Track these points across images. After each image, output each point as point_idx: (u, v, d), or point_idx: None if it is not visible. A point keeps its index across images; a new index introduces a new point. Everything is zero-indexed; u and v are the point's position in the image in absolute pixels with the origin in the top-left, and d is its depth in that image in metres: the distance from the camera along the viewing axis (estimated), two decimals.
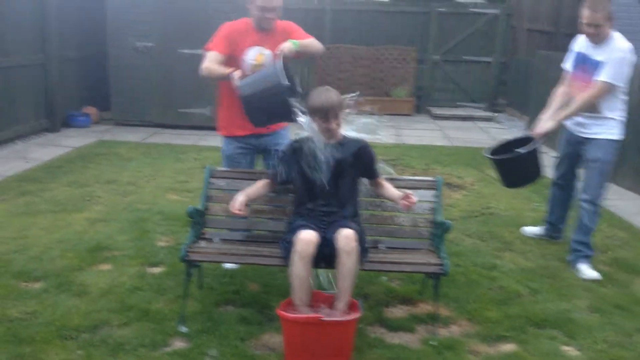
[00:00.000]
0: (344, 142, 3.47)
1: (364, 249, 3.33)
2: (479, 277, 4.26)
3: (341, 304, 3.18)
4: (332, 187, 3.42)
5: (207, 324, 3.44)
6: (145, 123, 9.54)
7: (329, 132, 3.38)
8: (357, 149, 3.48)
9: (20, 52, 8.17)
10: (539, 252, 4.83)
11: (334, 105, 3.31)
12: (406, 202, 3.41)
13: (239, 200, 3.43)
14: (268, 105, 3.56)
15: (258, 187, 3.61)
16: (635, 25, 11.17)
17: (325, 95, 3.35)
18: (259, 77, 3.66)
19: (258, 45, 3.98)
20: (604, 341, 3.45)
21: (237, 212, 3.39)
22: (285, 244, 3.29)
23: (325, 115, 3.31)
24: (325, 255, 3.21)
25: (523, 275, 4.34)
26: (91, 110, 9.79)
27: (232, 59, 3.93)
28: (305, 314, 3.10)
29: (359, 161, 3.50)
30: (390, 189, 3.62)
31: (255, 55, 3.97)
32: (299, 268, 3.13)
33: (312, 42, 4.01)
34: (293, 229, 3.29)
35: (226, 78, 3.78)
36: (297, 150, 3.47)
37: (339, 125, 3.40)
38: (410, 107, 12.19)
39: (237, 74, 3.73)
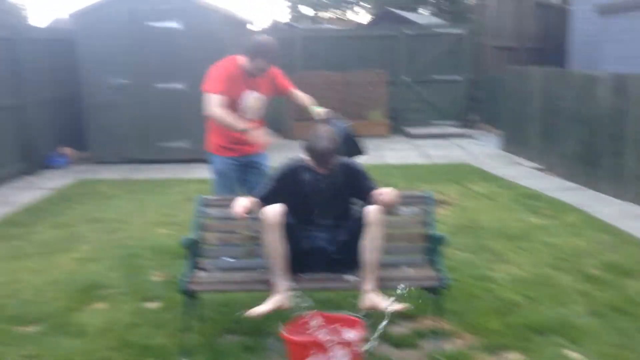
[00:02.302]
0: (335, 168, 3.51)
1: None
2: (476, 289, 4.30)
3: (369, 283, 3.36)
4: (327, 212, 3.54)
5: (211, 355, 3.41)
6: (124, 160, 9.48)
7: (322, 170, 3.45)
8: (348, 170, 3.55)
9: None
10: (531, 262, 4.89)
11: (330, 152, 3.36)
12: (380, 197, 3.37)
13: (243, 204, 3.43)
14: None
15: (252, 201, 3.55)
16: (595, 36, 11.53)
17: (323, 143, 3.36)
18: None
19: (252, 89, 4.32)
20: (609, 344, 3.49)
21: (241, 214, 3.39)
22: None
23: (321, 161, 3.37)
24: (320, 261, 3.45)
25: (519, 284, 4.39)
26: (68, 150, 9.70)
27: (229, 101, 4.23)
28: (285, 286, 3.29)
29: (352, 181, 3.55)
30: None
31: (251, 99, 4.33)
32: (270, 237, 3.30)
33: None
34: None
35: (243, 132, 4.13)
36: (293, 176, 3.52)
37: (333, 165, 3.44)
38: (386, 129, 12.33)
39: (253, 129, 4.16)
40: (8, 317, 3.91)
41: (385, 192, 3.37)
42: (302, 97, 4.56)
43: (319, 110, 4.36)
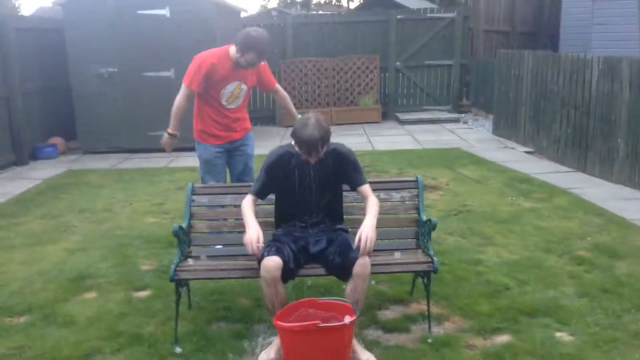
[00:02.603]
0: (325, 155, 3.38)
1: None
2: (466, 273, 4.30)
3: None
4: (317, 200, 3.46)
5: (202, 342, 3.40)
6: (114, 149, 9.42)
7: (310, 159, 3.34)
8: (339, 158, 3.44)
9: None
10: (521, 245, 4.90)
11: (317, 142, 3.20)
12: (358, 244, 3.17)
13: (254, 238, 3.22)
14: None
15: (253, 209, 3.43)
16: (587, 20, 11.53)
17: (310, 132, 3.19)
18: None
19: (238, 80, 4.35)
20: (596, 324, 3.51)
21: (257, 249, 3.20)
22: (258, 262, 3.22)
23: (308, 151, 3.24)
24: (306, 262, 3.36)
25: (508, 267, 4.40)
26: (58, 140, 9.63)
27: (207, 91, 4.33)
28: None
29: (341, 170, 3.46)
30: (369, 206, 3.38)
31: (233, 89, 4.35)
32: (266, 290, 3.16)
33: None
34: (266, 248, 3.24)
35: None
36: (282, 164, 3.44)
37: (321, 154, 3.31)
38: (377, 114, 12.29)
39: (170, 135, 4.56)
40: None
41: (363, 241, 3.14)
42: (285, 97, 4.67)
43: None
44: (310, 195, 3.46)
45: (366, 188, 3.47)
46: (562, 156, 8.01)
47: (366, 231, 3.17)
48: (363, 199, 3.48)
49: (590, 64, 7.29)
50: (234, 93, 4.37)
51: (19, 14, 27.08)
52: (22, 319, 3.75)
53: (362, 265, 3.13)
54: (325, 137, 3.24)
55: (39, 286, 4.23)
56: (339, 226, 3.56)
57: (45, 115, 9.66)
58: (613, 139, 6.87)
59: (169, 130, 4.49)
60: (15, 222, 5.86)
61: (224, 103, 4.38)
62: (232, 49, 4.24)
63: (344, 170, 3.45)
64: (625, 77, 6.61)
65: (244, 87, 4.39)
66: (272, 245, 3.27)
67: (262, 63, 4.42)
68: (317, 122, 3.24)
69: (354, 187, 3.50)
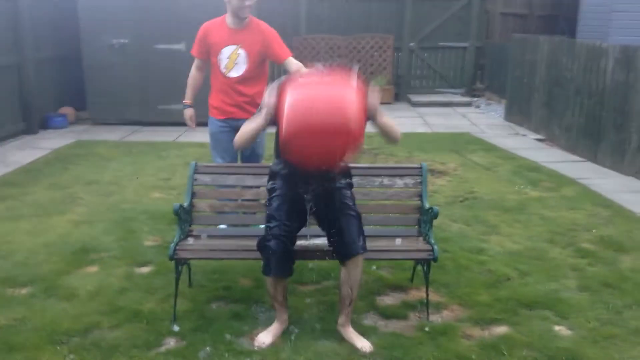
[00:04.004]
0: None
1: (363, 236, 3.18)
2: (468, 261, 4.29)
3: (344, 317, 3.24)
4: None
5: (200, 321, 3.42)
6: (123, 121, 9.43)
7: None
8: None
9: None
10: (525, 235, 4.86)
11: None
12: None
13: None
14: None
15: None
16: (605, 6, 11.30)
17: None
18: None
19: (234, 44, 4.25)
20: (595, 319, 3.49)
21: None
22: (263, 252, 3.14)
23: None
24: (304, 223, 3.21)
25: (511, 257, 4.37)
26: (68, 110, 9.65)
27: (209, 58, 4.37)
28: (285, 315, 3.25)
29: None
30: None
31: (229, 53, 4.27)
32: (273, 289, 3.21)
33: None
34: (268, 236, 3.11)
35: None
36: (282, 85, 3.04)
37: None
38: (389, 95, 12.19)
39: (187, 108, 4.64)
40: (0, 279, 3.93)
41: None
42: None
43: None
44: None
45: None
46: (573, 145, 7.92)
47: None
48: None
49: (607, 53, 7.16)
50: (232, 58, 4.26)
51: None
52: (24, 291, 3.79)
53: (354, 263, 3.12)
54: None
55: (43, 258, 4.27)
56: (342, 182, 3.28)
57: (56, 84, 9.68)
58: (626, 130, 6.77)
59: (183, 101, 4.60)
60: (23, 191, 5.90)
61: (223, 70, 4.30)
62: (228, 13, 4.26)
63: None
64: None
65: (241, 51, 4.23)
66: (274, 242, 3.09)
67: (270, 33, 4.28)
68: None
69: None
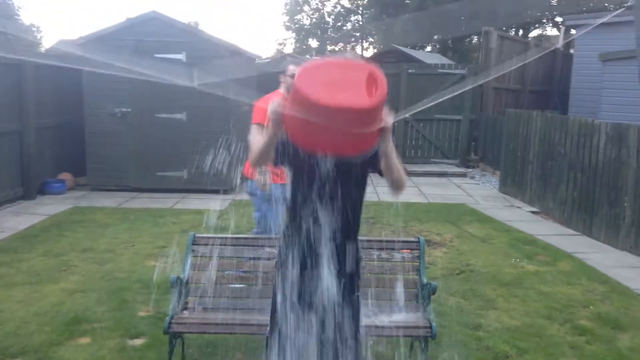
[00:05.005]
0: None
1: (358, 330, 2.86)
2: (465, 337, 4.24)
3: None
4: (334, 189, 2.68)
5: None
6: (122, 187, 9.48)
7: None
8: None
9: None
10: (523, 310, 4.83)
11: None
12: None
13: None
14: None
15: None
16: (597, 82, 11.63)
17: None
18: None
19: None
20: None
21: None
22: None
23: None
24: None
25: (509, 334, 4.33)
26: (66, 176, 9.70)
27: None
28: None
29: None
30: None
31: None
32: None
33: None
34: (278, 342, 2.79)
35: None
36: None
37: None
38: None
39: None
40: None
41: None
42: None
43: None
44: (324, 170, 2.64)
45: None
46: (568, 218, 7.97)
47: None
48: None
49: (599, 130, 7.33)
50: None
51: (39, 46, 27.67)
52: None
53: None
54: None
55: (34, 327, 4.20)
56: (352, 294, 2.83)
57: (56, 151, 9.76)
58: (619, 204, 6.84)
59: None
60: (18, 258, 5.86)
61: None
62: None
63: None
64: (633, 144, 6.63)
65: None
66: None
67: None
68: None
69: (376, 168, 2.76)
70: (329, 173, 2.64)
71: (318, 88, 2.36)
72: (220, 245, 3.88)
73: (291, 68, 4.61)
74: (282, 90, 4.66)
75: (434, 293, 3.55)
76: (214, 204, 8.58)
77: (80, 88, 9.49)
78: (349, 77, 2.44)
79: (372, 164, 2.74)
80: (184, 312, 3.56)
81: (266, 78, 11.72)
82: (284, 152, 2.69)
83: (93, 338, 4.10)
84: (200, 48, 9.28)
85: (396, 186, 2.85)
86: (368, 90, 2.39)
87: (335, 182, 2.67)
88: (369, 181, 2.87)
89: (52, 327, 4.23)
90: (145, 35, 9.25)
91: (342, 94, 2.35)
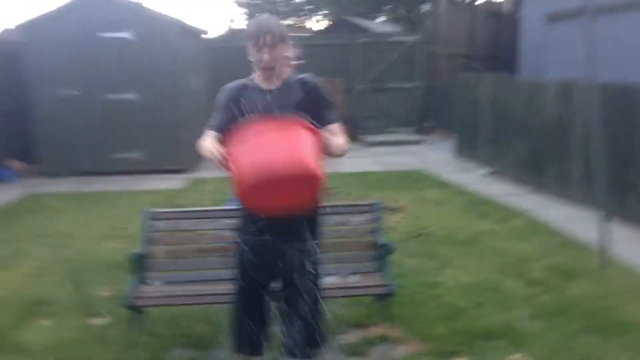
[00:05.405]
0: (289, 83, 2.78)
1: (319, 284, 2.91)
2: (425, 296, 4.36)
3: None
4: None
5: None
6: (75, 172, 9.29)
7: (265, 70, 2.70)
8: (305, 88, 2.77)
9: None
10: (479, 267, 4.98)
11: (266, 26, 2.63)
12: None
13: (214, 148, 2.61)
14: None
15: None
16: (543, 43, 11.84)
17: (262, 18, 2.71)
18: None
19: None
20: (548, 347, 3.59)
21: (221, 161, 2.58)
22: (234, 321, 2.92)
23: (256, 42, 2.64)
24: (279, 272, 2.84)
25: (466, 290, 4.47)
26: (16, 163, 9.45)
27: None
28: None
29: (310, 101, 2.74)
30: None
31: None
32: None
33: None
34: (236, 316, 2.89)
35: None
36: (237, 95, 2.80)
37: (276, 59, 2.67)
38: None
39: None
40: None
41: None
42: None
43: None
44: None
45: (337, 128, 2.81)
46: (520, 178, 8.20)
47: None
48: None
49: (546, 88, 7.52)
50: None
51: None
52: None
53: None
54: (279, 25, 2.69)
55: None
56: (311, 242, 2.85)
57: (3, 139, 9.48)
58: (568, 161, 7.07)
59: None
60: None
61: None
62: None
63: (314, 101, 2.76)
64: (578, 100, 6.84)
65: None
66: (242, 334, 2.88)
67: None
68: (271, 15, 2.77)
69: (323, 124, 2.73)
70: None
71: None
72: (178, 219, 3.88)
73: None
74: None
75: (391, 253, 3.62)
76: (171, 183, 8.51)
77: (23, 74, 9.20)
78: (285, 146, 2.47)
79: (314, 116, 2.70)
80: (145, 287, 3.56)
81: (217, 54, 11.64)
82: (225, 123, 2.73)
83: (54, 320, 4.07)
84: (148, 25, 9.10)
85: (334, 155, 2.82)
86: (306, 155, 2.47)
87: None
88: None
89: (12, 311, 4.17)
90: (91, 15, 9.00)
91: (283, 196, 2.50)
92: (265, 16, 2.73)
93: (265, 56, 2.64)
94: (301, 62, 4.52)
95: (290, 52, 4.01)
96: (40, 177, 9.32)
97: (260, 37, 2.62)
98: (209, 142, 2.68)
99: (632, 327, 3.83)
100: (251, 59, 2.71)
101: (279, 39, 2.65)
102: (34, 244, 5.80)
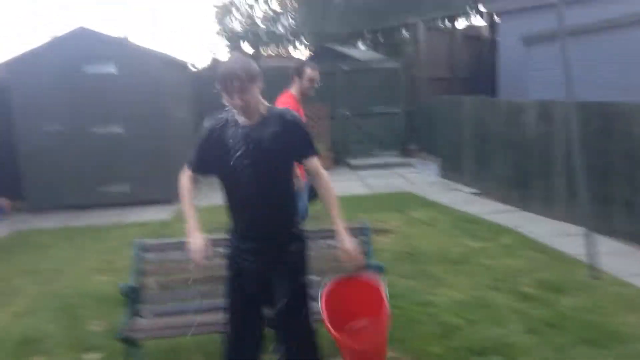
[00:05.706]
0: (267, 117, 2.77)
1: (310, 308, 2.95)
2: (418, 314, 4.38)
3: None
4: (256, 181, 2.75)
5: None
6: (62, 207, 9.23)
7: (240, 111, 2.70)
8: (283, 123, 2.77)
9: None
10: (470, 284, 5.02)
11: (235, 71, 2.60)
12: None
13: (199, 251, 2.87)
14: None
15: (189, 190, 2.97)
16: (521, 65, 12.05)
17: (229, 64, 2.67)
18: None
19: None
20: (543, 359, 3.61)
21: (204, 262, 2.86)
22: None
23: (225, 87, 2.63)
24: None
25: (459, 307, 4.50)
26: (2, 201, 9.38)
27: None
28: None
29: (285, 138, 2.76)
30: (326, 195, 3.03)
31: None
32: None
33: None
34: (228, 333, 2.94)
35: None
36: (215, 132, 2.82)
37: (248, 102, 2.66)
38: (328, 161, 12.46)
39: None
40: None
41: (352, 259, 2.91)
42: None
43: None
44: (250, 172, 2.74)
45: (316, 162, 2.90)
46: (506, 196, 8.29)
47: (347, 248, 2.87)
48: (311, 176, 2.99)
49: (527, 108, 7.65)
50: None
51: None
52: None
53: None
54: (246, 68, 2.62)
55: None
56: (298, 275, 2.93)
57: None
58: (551, 177, 7.17)
59: None
60: None
61: None
62: (292, 89, 4.94)
63: (292, 135, 2.79)
64: (558, 119, 6.97)
65: None
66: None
67: None
68: (239, 57, 2.74)
69: (302, 158, 2.84)
70: (249, 182, 2.77)
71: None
72: (168, 250, 3.88)
73: (308, 72, 4.70)
74: (293, 91, 4.65)
75: (381, 273, 3.64)
76: (158, 214, 8.49)
77: (8, 110, 9.20)
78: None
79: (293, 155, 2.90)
80: (138, 319, 3.54)
81: (202, 84, 11.69)
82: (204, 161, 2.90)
83: (48, 357, 4.03)
84: (132, 59, 9.17)
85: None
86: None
87: (257, 186, 2.77)
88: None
89: (5, 351, 4.13)
90: (75, 50, 9.05)
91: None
92: (233, 59, 2.71)
93: (237, 101, 2.64)
94: (320, 84, 4.89)
95: (312, 75, 4.23)
96: (28, 213, 9.25)
97: (228, 83, 2.61)
98: (192, 226, 3.03)
99: (624, 338, 3.87)
100: (225, 103, 2.72)
101: (248, 81, 2.62)
102: (23, 282, 5.74)
